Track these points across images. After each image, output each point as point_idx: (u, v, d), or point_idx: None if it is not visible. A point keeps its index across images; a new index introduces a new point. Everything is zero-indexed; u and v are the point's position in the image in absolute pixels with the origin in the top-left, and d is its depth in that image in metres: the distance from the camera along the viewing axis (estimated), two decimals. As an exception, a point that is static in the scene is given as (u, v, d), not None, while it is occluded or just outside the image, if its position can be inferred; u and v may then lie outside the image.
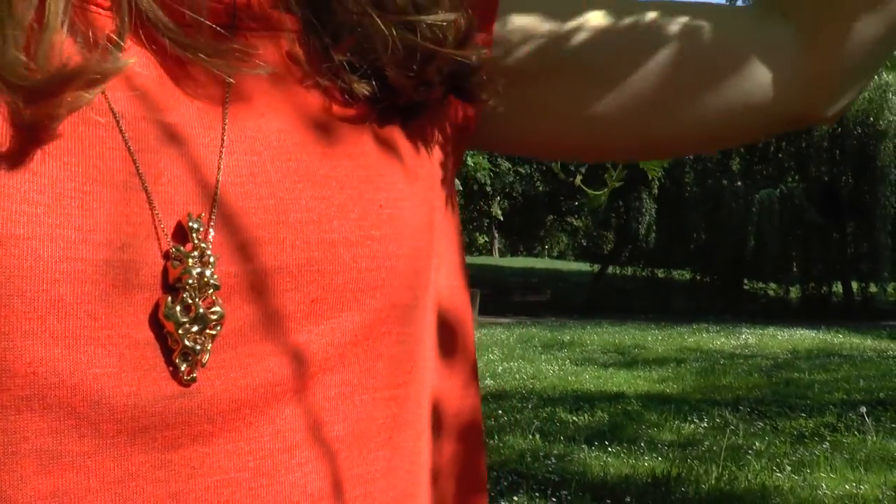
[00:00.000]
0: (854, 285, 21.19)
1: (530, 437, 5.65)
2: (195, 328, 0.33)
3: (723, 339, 12.64)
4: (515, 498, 4.14)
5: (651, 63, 0.50)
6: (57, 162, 0.32)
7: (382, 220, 0.39)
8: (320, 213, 0.37)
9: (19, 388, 0.30)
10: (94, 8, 0.35)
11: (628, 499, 4.08)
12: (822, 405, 6.76)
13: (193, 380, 0.33)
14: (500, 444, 5.43)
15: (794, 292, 22.62)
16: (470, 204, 22.24)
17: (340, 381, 0.37)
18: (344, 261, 0.37)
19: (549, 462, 4.91)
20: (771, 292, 23.03)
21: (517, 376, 8.47)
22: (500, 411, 6.50)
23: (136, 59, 0.35)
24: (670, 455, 5.12)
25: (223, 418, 0.34)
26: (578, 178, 0.94)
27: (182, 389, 0.33)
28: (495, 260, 34.01)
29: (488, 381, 8.12)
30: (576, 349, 11.28)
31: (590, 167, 0.63)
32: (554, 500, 4.11)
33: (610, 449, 5.28)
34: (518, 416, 6.32)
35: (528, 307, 18.67)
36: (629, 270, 23.33)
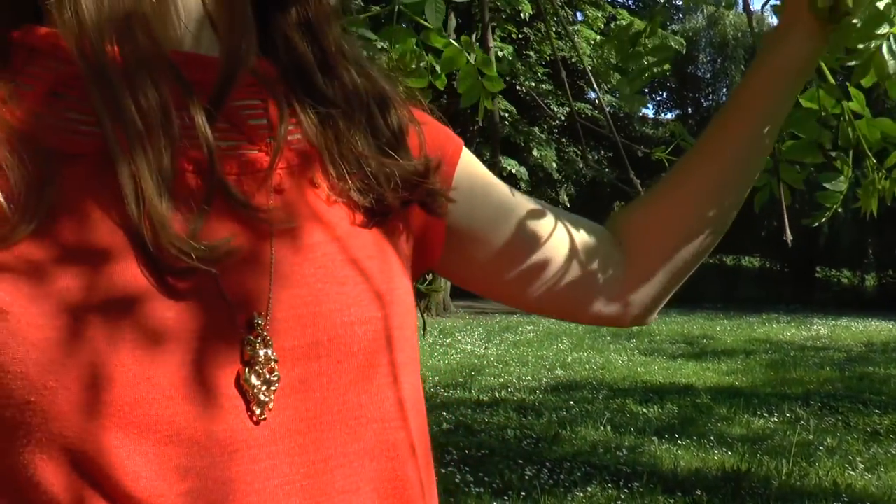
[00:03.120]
0: (934, 274, 20.52)
1: (602, 428, 5.80)
2: (263, 387, 0.50)
3: (793, 331, 12.50)
4: (589, 489, 4.31)
5: (527, 264, 0.72)
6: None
7: (384, 304, 0.57)
8: (342, 304, 0.54)
9: (165, 431, 0.47)
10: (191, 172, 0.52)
11: (699, 492, 4.20)
12: (898, 401, 6.69)
13: (264, 419, 0.49)
14: (573, 435, 5.59)
15: (870, 280, 22.03)
16: (537, 190, 22.28)
17: (357, 406, 0.55)
18: (358, 335, 0.55)
19: (621, 454, 5.05)
20: (845, 280, 22.46)
21: (587, 366, 8.60)
22: (571, 402, 6.66)
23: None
24: (740, 449, 5.20)
25: (283, 442, 0.51)
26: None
27: (257, 427, 0.49)
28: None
29: (559, 371, 8.28)
30: (644, 339, 11.32)
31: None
32: (626, 491, 4.26)
33: (680, 442, 5.39)
34: (589, 407, 6.47)
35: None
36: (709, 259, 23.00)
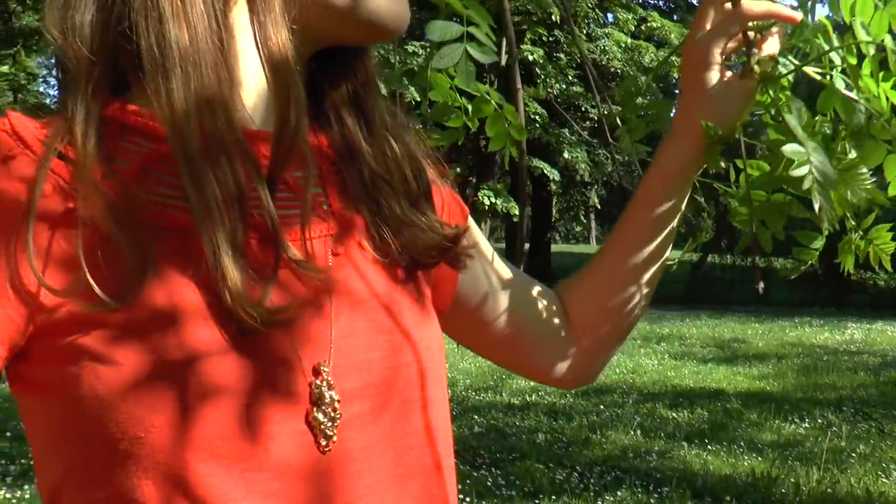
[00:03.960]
0: (973, 277, 20.15)
1: (632, 432, 5.84)
2: (328, 423, 0.58)
3: (827, 334, 12.35)
4: (619, 493, 4.36)
5: (494, 328, 0.82)
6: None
7: (422, 349, 0.66)
8: (388, 351, 0.63)
9: (248, 461, 0.55)
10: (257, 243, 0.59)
11: (728, 498, 4.24)
12: (934, 408, 6.61)
13: (329, 450, 0.58)
14: (603, 440, 5.64)
15: (907, 283, 21.69)
16: (567, 192, 22.24)
17: (402, 435, 0.63)
18: (402, 377, 0.64)
19: (650, 458, 5.10)
20: (881, 283, 22.13)
21: (617, 370, 8.62)
22: (601, 406, 6.70)
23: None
24: (770, 455, 5.21)
25: (345, 468, 0.60)
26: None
27: (323, 456, 0.58)
28: (592, 248, 33.85)
29: (588, 375, 8.30)
30: (675, 342, 11.30)
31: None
32: (656, 496, 4.32)
33: (710, 447, 5.41)
34: (619, 412, 6.50)
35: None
36: (728, 259, 22.90)
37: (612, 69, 18.02)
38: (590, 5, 16.58)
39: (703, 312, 15.55)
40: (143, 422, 0.52)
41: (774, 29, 0.75)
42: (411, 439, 0.63)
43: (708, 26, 0.76)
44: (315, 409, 0.57)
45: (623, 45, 17.40)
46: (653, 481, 4.58)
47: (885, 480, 4.66)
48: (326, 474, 0.57)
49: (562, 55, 17.30)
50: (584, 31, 17.69)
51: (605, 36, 17.62)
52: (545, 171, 16.81)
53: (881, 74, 0.68)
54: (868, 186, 0.72)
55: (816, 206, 0.65)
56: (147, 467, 0.52)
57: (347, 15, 0.63)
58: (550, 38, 16.87)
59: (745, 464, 5.03)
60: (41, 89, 25.78)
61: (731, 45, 0.76)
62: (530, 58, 16.15)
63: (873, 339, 11.74)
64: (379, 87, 0.71)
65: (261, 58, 0.60)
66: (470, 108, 0.94)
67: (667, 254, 0.84)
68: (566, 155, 17.36)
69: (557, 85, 16.62)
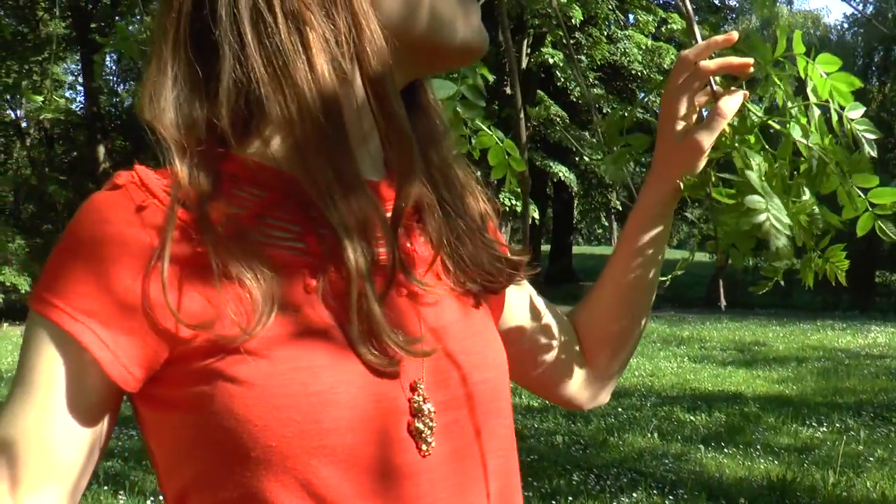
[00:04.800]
0: None
1: (649, 435, 5.90)
2: (427, 431, 0.65)
3: (849, 338, 12.29)
4: (634, 495, 4.42)
5: (533, 358, 0.91)
6: None
7: (495, 366, 0.74)
8: (472, 366, 0.70)
9: (361, 465, 0.64)
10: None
11: (742, 500, 4.28)
12: (955, 413, 6.59)
13: (428, 454, 0.65)
14: (620, 442, 5.70)
15: (933, 286, 21.46)
16: (588, 194, 22.24)
17: (483, 441, 0.72)
18: (480, 391, 0.72)
19: (667, 461, 5.15)
20: (906, 286, 21.93)
21: (636, 373, 8.66)
22: (619, 409, 6.76)
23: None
24: (787, 459, 5.25)
25: (440, 469, 0.65)
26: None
27: (423, 459, 0.65)
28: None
29: (607, 378, 8.34)
30: (694, 345, 11.31)
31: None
32: (671, 498, 4.37)
33: (726, 450, 5.46)
34: (637, 414, 6.56)
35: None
36: (750, 262, 22.70)
37: (633, 71, 18.03)
38: (610, 7, 16.59)
39: (724, 316, 15.47)
40: (275, 433, 0.59)
41: (738, 90, 0.85)
42: (492, 444, 0.71)
43: (679, 83, 0.85)
44: (415, 419, 0.65)
45: (643, 48, 17.40)
46: (668, 483, 4.64)
47: (901, 485, 4.67)
48: (425, 475, 0.65)
49: (583, 57, 17.32)
50: (605, 33, 17.71)
51: (625, 38, 17.63)
52: (563, 177, 16.84)
53: (824, 130, 0.80)
54: (819, 218, 0.82)
55: (773, 248, 0.77)
56: (277, 471, 0.60)
57: (444, 47, 0.70)
58: (571, 41, 16.89)
59: (761, 467, 5.07)
60: (67, 94, 26.18)
61: (702, 98, 0.85)
62: (550, 61, 16.20)
63: (896, 343, 11.65)
64: (443, 122, 0.78)
65: (375, 113, 0.66)
66: (474, 140, 1.03)
67: (656, 279, 0.93)
68: (587, 157, 17.35)
69: (578, 88, 16.64)
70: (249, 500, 0.60)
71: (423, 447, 0.65)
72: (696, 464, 5.15)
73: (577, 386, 0.94)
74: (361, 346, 0.62)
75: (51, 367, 0.61)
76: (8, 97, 19.52)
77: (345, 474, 0.61)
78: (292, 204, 0.65)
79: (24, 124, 23.02)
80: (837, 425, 6.27)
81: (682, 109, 0.84)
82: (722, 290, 1.24)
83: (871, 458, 5.25)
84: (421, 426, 0.65)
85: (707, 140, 0.83)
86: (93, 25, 18.75)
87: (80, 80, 22.28)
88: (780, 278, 0.87)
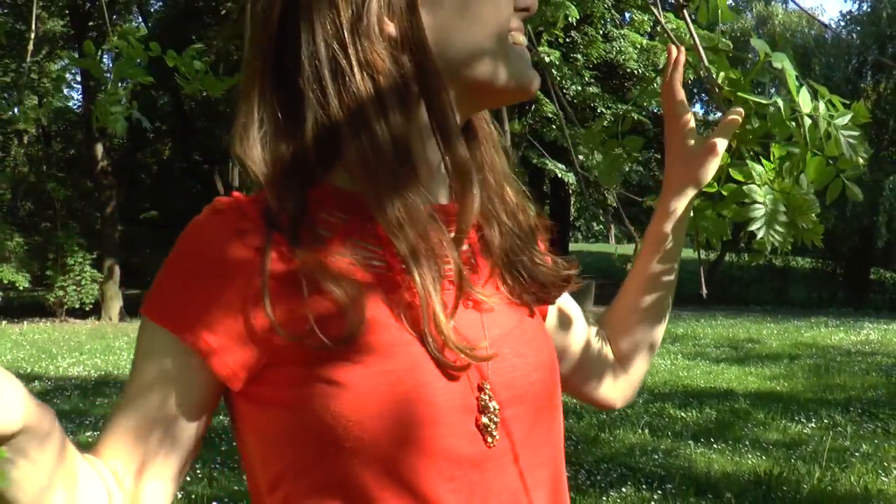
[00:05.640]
0: None
1: (640, 431, 5.99)
2: (492, 425, 0.73)
3: (842, 335, 12.38)
4: (623, 489, 4.51)
5: (580, 367, 1.00)
6: None
7: (549, 368, 0.81)
8: (527, 371, 0.78)
9: (441, 455, 0.73)
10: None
11: (729, 495, 4.37)
12: (942, 409, 6.65)
13: (494, 445, 0.73)
14: (611, 438, 5.79)
15: (928, 283, 21.53)
16: (585, 192, 22.27)
17: (540, 432, 0.81)
18: (537, 390, 0.79)
19: (657, 457, 5.24)
20: (901, 282, 21.99)
21: (628, 370, 8.72)
22: (611, 405, 6.84)
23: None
24: (774, 454, 5.34)
25: (504, 458, 0.74)
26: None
27: (489, 449, 0.73)
28: (610, 247, 33.80)
29: (600, 375, 8.41)
30: (688, 343, 11.39)
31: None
32: (659, 493, 4.46)
33: (715, 446, 5.55)
34: (629, 411, 6.63)
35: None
36: (746, 258, 22.83)
37: (629, 70, 18.10)
38: (606, 6, 16.65)
39: (720, 312, 15.56)
40: (365, 427, 0.68)
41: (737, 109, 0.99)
42: (547, 436, 0.80)
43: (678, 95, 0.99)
44: (482, 415, 0.73)
45: (638, 46, 17.46)
46: (657, 479, 4.73)
47: (884, 479, 4.75)
48: (492, 462, 0.74)
49: (578, 56, 17.39)
50: (601, 32, 17.77)
51: (621, 37, 17.69)
52: (560, 175, 16.89)
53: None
54: (814, 218, 0.99)
55: (759, 236, 0.95)
56: (365, 460, 0.68)
57: (500, 89, 0.78)
58: (567, 40, 16.96)
59: (749, 462, 5.16)
60: (65, 92, 26.17)
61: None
62: (547, 59, 16.24)
63: (889, 340, 11.73)
64: (498, 146, 0.86)
65: (440, 147, 0.75)
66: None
67: (677, 276, 1.04)
68: (582, 157, 17.39)
69: (574, 86, 16.72)
70: (342, 484, 0.69)
71: (489, 439, 0.73)
72: (686, 459, 5.24)
73: (612, 386, 1.03)
74: (435, 354, 0.71)
75: (163, 368, 0.71)
76: (6, 95, 19.52)
77: (424, 462, 0.70)
78: (374, 226, 0.73)
79: (20, 122, 23.01)
80: (825, 421, 6.36)
81: (691, 121, 0.99)
82: (703, 281, 1.35)
83: (857, 454, 5.33)
84: (487, 421, 0.73)
85: (721, 144, 0.97)
86: (91, 24, 18.79)
87: (78, 77, 22.28)
88: (767, 252, 1.01)
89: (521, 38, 0.80)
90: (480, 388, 0.74)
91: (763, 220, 0.96)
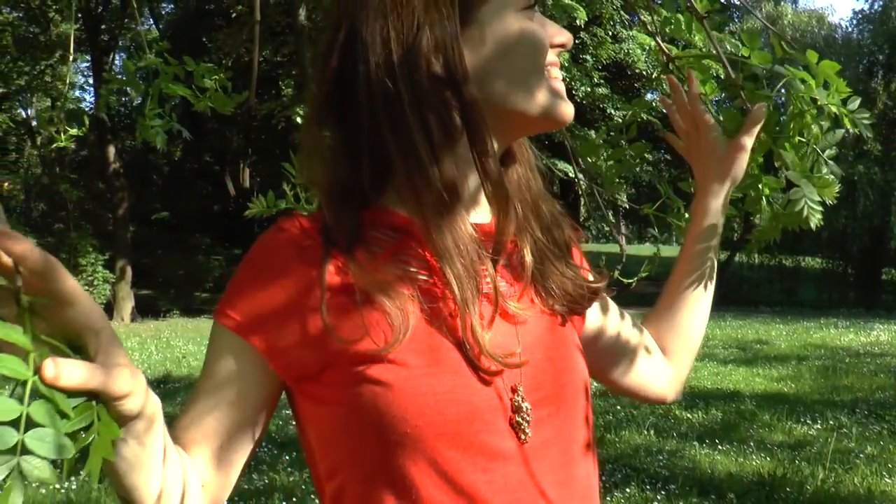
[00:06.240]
0: None
1: (645, 432, 6.02)
2: (525, 424, 0.79)
3: (851, 336, 12.32)
4: (627, 490, 4.55)
5: (622, 360, 1.06)
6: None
7: (577, 371, 0.87)
8: (558, 371, 0.84)
9: (476, 449, 0.76)
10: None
11: (732, 496, 4.40)
12: (949, 411, 6.64)
13: (526, 443, 0.79)
14: (617, 439, 5.83)
15: (940, 284, 21.39)
16: (595, 193, 22.22)
17: (568, 432, 0.87)
18: (567, 391, 0.84)
19: (661, 458, 5.27)
20: (913, 283, 21.84)
21: (635, 371, 8.72)
22: (618, 406, 6.87)
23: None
24: (779, 455, 5.36)
25: (536, 454, 0.79)
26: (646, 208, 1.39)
27: (521, 445, 0.79)
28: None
29: (607, 376, 8.43)
30: (697, 343, 11.35)
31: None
32: (663, 493, 4.49)
33: (720, 447, 5.57)
34: (635, 412, 6.67)
35: (653, 297, 18.59)
36: (756, 258, 22.74)
37: (637, 70, 18.10)
38: (614, 7, 16.66)
39: (729, 313, 15.50)
40: (409, 422, 0.75)
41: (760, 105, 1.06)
42: (575, 434, 0.85)
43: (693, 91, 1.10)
44: (515, 415, 0.80)
45: (646, 48, 17.44)
46: (661, 479, 4.76)
47: (888, 480, 4.76)
48: (524, 457, 0.80)
49: (588, 57, 17.40)
50: (610, 33, 17.78)
51: (630, 38, 17.70)
52: (569, 175, 16.91)
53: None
54: (836, 192, 1.07)
55: (813, 224, 1.05)
56: (410, 452, 0.75)
57: (540, 120, 0.84)
58: (576, 41, 16.97)
59: (753, 463, 5.18)
60: (77, 94, 26.35)
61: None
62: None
63: (898, 341, 11.66)
64: (533, 167, 0.93)
65: (479, 174, 0.81)
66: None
67: (713, 274, 1.12)
68: (590, 158, 17.43)
69: (583, 87, 16.74)
70: (389, 473, 0.76)
71: (522, 437, 0.79)
72: (690, 460, 5.27)
73: (663, 383, 1.10)
74: (473, 360, 0.78)
75: (232, 367, 0.80)
76: (20, 97, 19.68)
77: (462, 455, 0.76)
78: (420, 244, 0.81)
79: (34, 123, 23.21)
80: (831, 423, 6.36)
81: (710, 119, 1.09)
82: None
83: (862, 455, 5.33)
84: (520, 420, 0.80)
85: (749, 141, 1.06)
86: (103, 27, 18.93)
87: (91, 80, 22.42)
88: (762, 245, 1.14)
89: (557, 73, 0.86)
90: (514, 390, 0.80)
91: (804, 202, 1.04)
